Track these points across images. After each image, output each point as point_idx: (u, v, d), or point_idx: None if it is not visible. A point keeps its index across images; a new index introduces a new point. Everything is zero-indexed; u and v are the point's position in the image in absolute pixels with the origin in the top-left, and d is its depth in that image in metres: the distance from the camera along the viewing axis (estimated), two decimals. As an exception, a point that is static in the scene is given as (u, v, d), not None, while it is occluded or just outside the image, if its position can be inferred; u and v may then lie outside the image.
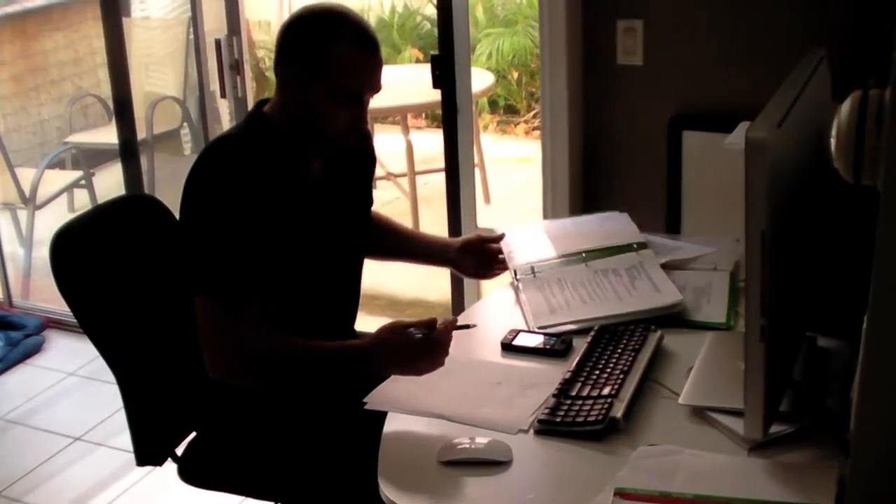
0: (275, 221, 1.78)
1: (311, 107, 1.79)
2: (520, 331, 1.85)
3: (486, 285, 3.37)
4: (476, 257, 2.14)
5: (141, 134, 4.05)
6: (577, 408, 1.55)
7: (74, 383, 3.53)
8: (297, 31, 1.79)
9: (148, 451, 1.97)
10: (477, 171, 4.33)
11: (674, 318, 1.85)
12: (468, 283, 3.12)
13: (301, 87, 1.79)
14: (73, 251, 1.88)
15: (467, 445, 1.49)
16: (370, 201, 2.13)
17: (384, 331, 1.70)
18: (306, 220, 1.87)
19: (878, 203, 1.03)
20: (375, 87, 1.82)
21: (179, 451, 2.00)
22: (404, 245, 2.22)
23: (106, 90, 3.94)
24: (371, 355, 1.70)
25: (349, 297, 2.07)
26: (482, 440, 1.51)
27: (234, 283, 1.73)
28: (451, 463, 1.47)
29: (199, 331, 1.74)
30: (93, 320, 1.89)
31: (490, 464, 1.46)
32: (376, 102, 1.89)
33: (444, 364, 1.67)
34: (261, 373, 1.76)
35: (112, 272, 1.91)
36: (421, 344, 1.66)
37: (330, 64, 1.75)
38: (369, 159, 2.10)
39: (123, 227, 1.99)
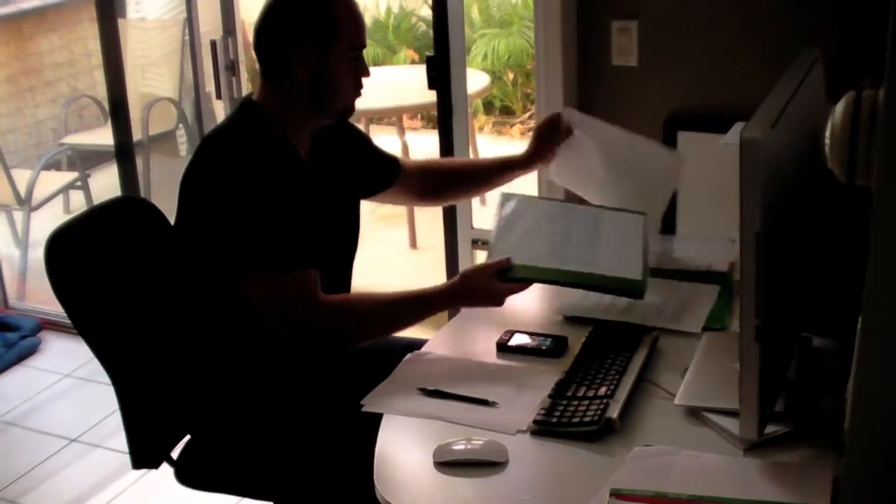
0: (290, 204, 1.82)
1: (326, 75, 1.86)
2: (515, 331, 1.85)
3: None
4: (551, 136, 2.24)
5: (136, 135, 4.05)
6: (572, 408, 1.55)
7: (70, 385, 3.52)
8: (297, 11, 1.83)
9: (144, 454, 1.97)
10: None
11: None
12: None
13: (315, 61, 1.83)
14: (69, 253, 1.88)
15: (463, 446, 1.50)
16: (385, 165, 2.18)
17: (469, 277, 1.88)
18: (308, 205, 1.88)
19: (872, 203, 1.03)
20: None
21: (175, 454, 1.99)
22: (480, 174, 2.29)
23: (101, 91, 3.93)
24: (457, 294, 1.87)
25: (341, 286, 2.07)
26: (478, 441, 1.51)
27: (288, 255, 1.80)
28: (447, 464, 1.47)
29: (267, 310, 1.80)
30: (88, 322, 1.89)
31: (486, 465, 1.46)
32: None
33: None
34: (346, 325, 1.85)
35: (107, 274, 1.91)
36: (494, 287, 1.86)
37: (340, 26, 1.84)
38: (357, 142, 2.13)
39: (119, 229, 1.99)
